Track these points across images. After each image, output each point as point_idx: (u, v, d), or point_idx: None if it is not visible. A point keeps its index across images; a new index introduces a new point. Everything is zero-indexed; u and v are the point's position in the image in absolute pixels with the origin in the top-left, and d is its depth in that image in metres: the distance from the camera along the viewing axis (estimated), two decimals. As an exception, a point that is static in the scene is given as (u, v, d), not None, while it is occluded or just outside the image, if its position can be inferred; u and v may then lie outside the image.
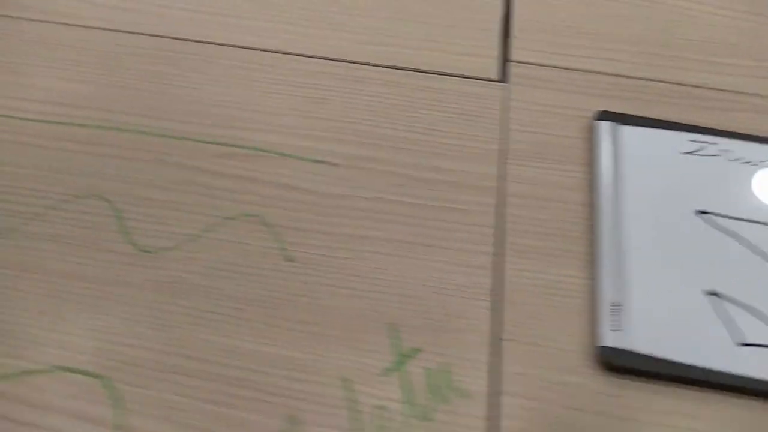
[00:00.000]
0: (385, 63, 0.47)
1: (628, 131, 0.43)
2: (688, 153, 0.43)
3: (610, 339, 0.36)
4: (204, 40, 0.47)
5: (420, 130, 0.44)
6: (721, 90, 0.47)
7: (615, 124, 0.44)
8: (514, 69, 0.47)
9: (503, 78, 0.47)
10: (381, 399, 0.34)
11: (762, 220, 0.40)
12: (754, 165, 0.43)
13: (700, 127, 0.44)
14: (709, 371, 0.35)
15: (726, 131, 0.44)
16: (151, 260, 0.38)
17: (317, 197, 0.41)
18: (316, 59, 0.47)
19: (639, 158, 0.42)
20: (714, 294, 0.37)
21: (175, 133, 0.43)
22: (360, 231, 0.39)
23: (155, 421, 0.33)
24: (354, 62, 0.47)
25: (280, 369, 0.35)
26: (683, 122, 0.44)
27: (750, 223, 0.40)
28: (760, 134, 0.44)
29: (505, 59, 0.48)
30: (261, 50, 0.47)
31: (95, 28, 0.48)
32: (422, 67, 0.47)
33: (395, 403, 0.34)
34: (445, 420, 0.34)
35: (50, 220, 0.39)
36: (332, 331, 0.36)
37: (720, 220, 0.40)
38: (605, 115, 0.44)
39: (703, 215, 0.40)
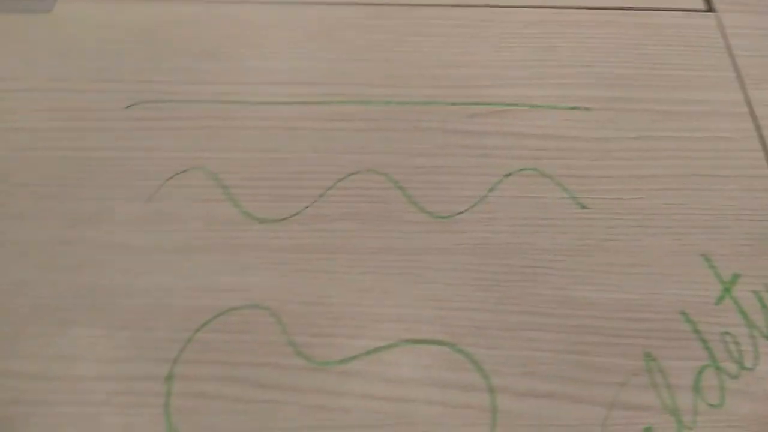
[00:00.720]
0: (595, 5, 0.47)
1: None
2: None
3: None
4: (415, 3, 0.46)
5: (655, 66, 0.44)
6: None
7: (835, 36, 0.45)
8: (716, -4, 0.48)
9: (710, 7, 0.47)
10: (724, 326, 0.35)
11: None
12: None
13: None
14: None
15: None
16: (451, 225, 0.38)
17: (586, 143, 0.41)
18: (530, 9, 0.46)
19: None
20: None
21: (420, 99, 0.42)
22: (637, 170, 0.40)
23: (521, 378, 0.33)
24: (565, 7, 0.46)
25: (621, 312, 0.35)
26: None
27: None
28: None
29: (705, -12, 0.48)
30: (473, 6, 0.46)
31: (300, 3, 0.46)
32: (631, 5, 0.47)
33: (738, 328, 0.35)
34: (789, 336, 0.35)
35: (335, 201, 0.38)
36: (655, 269, 0.36)
37: None
38: (824, 30, 0.45)
39: None
